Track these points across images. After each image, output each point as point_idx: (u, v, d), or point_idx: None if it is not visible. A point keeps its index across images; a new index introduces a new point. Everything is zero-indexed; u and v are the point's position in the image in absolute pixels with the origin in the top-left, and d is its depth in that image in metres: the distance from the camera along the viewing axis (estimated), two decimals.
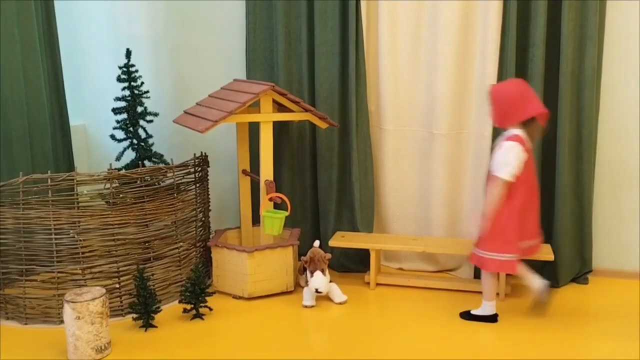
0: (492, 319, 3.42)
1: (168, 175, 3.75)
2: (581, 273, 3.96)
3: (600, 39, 3.72)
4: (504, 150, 3.19)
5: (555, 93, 3.75)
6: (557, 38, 3.70)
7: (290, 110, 3.82)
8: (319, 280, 3.62)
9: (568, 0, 3.60)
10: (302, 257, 3.80)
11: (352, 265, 4.16)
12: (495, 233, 3.24)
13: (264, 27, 4.17)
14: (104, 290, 3.18)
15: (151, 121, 4.16)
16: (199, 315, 3.53)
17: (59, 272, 3.46)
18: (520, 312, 3.56)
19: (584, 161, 3.80)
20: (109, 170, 3.49)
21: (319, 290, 3.61)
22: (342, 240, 3.99)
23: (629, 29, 3.75)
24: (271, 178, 3.78)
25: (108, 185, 3.48)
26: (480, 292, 3.61)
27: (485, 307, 3.43)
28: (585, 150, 3.78)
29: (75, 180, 3.40)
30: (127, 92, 4.08)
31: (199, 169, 3.97)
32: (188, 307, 3.52)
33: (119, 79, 4.06)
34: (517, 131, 3.21)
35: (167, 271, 3.75)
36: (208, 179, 4.15)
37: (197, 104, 3.99)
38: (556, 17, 3.69)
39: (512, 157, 3.16)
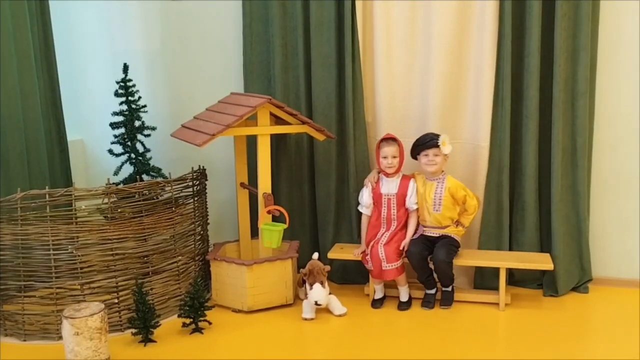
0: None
1: (166, 189, 3.75)
2: (581, 282, 3.95)
3: (594, 48, 3.74)
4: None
5: (550, 102, 3.77)
6: (552, 47, 3.72)
7: (288, 123, 3.83)
8: (319, 292, 3.61)
9: (561, 9, 3.63)
10: (301, 270, 3.79)
11: (351, 277, 4.15)
12: None
13: (261, 40, 4.19)
14: (102, 306, 3.17)
15: (149, 135, 4.17)
16: (198, 330, 3.51)
17: (57, 287, 3.45)
18: (521, 321, 3.56)
19: (578, 169, 3.81)
20: (107, 185, 3.49)
21: (319, 302, 3.60)
22: (341, 252, 3.99)
23: (622, 38, 3.78)
24: (269, 191, 3.78)
25: (106, 200, 3.48)
26: (479, 302, 3.73)
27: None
28: (579, 158, 3.80)
29: (73, 196, 3.39)
30: (124, 107, 4.09)
31: (197, 182, 3.97)
32: (187, 321, 3.51)
33: (117, 94, 4.07)
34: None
35: (166, 285, 3.74)
36: (206, 193, 4.15)
37: (194, 117, 4.00)
38: (550, 26, 3.71)
39: None
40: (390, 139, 3.76)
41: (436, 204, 3.73)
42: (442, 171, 3.77)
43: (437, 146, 3.68)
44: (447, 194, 3.71)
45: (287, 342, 3.42)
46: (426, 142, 3.72)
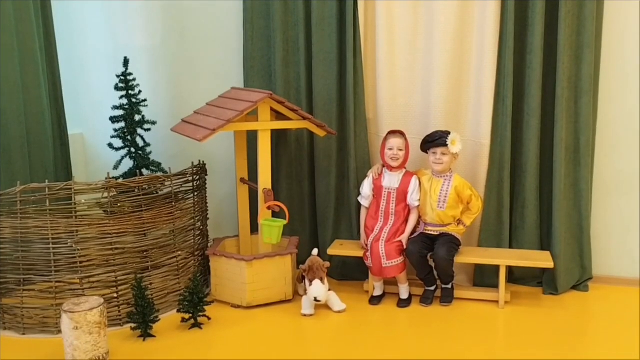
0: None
1: (166, 183, 3.74)
2: (581, 280, 3.95)
3: (598, 46, 3.73)
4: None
5: (552, 100, 3.76)
6: (554, 45, 3.71)
7: (288, 119, 3.82)
8: (318, 288, 3.61)
9: (565, 7, 3.62)
10: (301, 266, 3.79)
11: (351, 273, 4.15)
12: None
13: (262, 35, 4.17)
14: (102, 300, 3.17)
15: (149, 129, 4.16)
16: (197, 325, 3.51)
17: (56, 281, 3.45)
18: (520, 319, 3.56)
19: (581, 168, 3.80)
20: (107, 179, 3.49)
21: (318, 298, 3.60)
22: (341, 248, 3.99)
23: (626, 36, 3.76)
24: (269, 186, 3.78)
25: (106, 194, 3.48)
26: (479, 300, 3.73)
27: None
28: (582, 156, 3.79)
29: (73, 190, 3.39)
30: (124, 101, 4.08)
31: (197, 177, 3.97)
32: (186, 316, 3.51)
33: (117, 88, 4.06)
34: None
35: (165, 280, 3.74)
36: (206, 188, 4.14)
37: (195, 112, 3.99)
38: (553, 24, 3.70)
39: None
40: (397, 132, 3.77)
41: (441, 201, 3.72)
42: (450, 169, 3.76)
43: (445, 145, 3.66)
44: (453, 192, 3.70)
45: (286, 338, 3.42)
46: (435, 140, 3.69)
